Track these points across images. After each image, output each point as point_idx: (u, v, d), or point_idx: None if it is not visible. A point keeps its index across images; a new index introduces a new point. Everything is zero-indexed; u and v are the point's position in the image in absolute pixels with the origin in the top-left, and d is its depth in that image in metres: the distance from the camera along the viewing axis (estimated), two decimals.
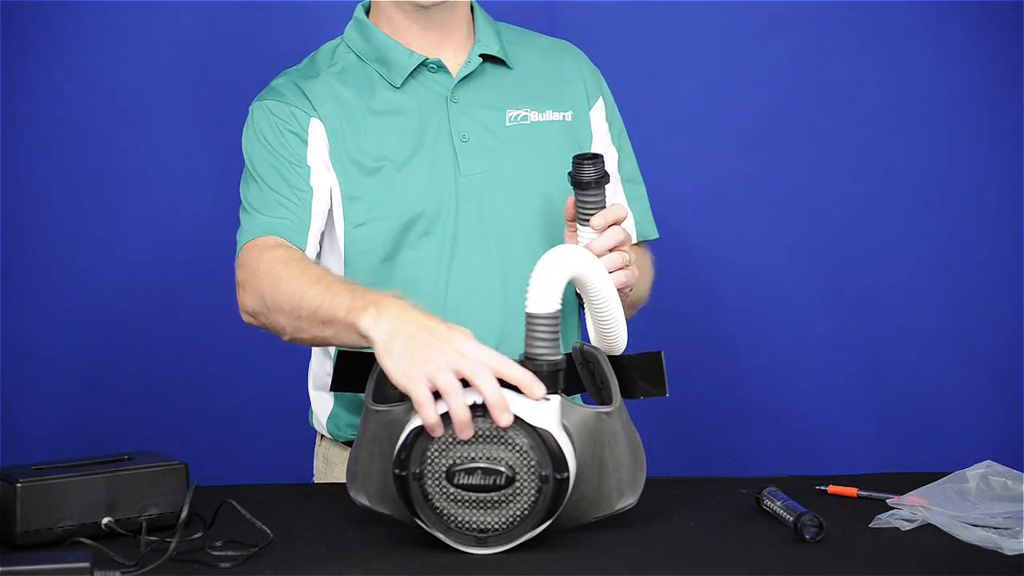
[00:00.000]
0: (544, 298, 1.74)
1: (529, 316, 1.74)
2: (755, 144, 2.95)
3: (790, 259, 2.96)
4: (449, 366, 1.69)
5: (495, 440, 1.69)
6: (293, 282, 1.94)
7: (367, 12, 2.21)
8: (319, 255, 2.14)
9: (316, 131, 2.12)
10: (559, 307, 1.75)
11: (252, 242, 2.06)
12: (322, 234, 2.13)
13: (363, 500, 1.81)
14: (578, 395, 1.97)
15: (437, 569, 1.68)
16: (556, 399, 1.72)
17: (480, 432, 1.69)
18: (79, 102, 2.85)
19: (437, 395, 1.69)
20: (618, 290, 1.93)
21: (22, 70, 2.82)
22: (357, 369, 1.88)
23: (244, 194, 2.14)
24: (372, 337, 1.77)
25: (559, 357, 1.74)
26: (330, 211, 2.13)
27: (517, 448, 1.69)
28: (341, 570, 1.67)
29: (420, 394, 1.69)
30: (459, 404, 1.68)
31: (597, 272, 1.85)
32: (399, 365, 1.72)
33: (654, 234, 2.30)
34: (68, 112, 2.84)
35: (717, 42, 2.94)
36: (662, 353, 1.94)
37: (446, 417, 1.69)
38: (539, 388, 1.70)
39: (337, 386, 1.97)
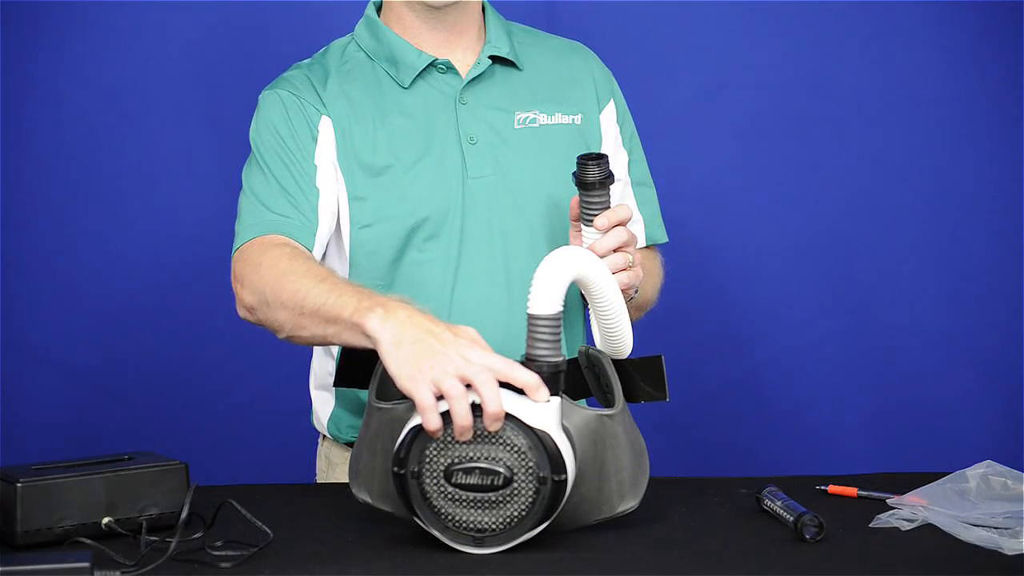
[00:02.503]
0: (545, 299, 1.74)
1: (530, 317, 1.74)
2: (754, 144, 2.95)
3: (790, 259, 2.96)
4: (455, 371, 1.69)
5: (494, 440, 1.69)
6: (298, 279, 1.93)
7: (378, 11, 2.21)
8: (324, 256, 2.13)
9: (325, 129, 2.12)
10: (560, 308, 1.74)
11: (260, 239, 2.05)
12: (330, 231, 2.11)
13: (364, 497, 1.81)
14: (582, 400, 1.96)
15: (438, 569, 1.68)
16: (556, 401, 1.72)
17: (479, 432, 1.69)
18: (80, 102, 2.85)
19: (439, 396, 1.69)
20: (622, 292, 1.93)
21: (22, 70, 2.82)
22: (361, 366, 1.88)
23: (248, 180, 2.11)
24: (377, 338, 1.76)
25: (560, 359, 1.74)
26: (337, 208, 2.12)
27: (515, 449, 1.69)
28: (341, 570, 1.67)
29: (424, 399, 1.69)
30: (462, 409, 1.68)
31: (600, 274, 1.85)
32: (404, 369, 1.72)
33: (663, 238, 2.29)
34: (69, 112, 2.84)
35: (718, 42, 2.94)
36: (662, 357, 1.94)
37: (447, 415, 1.69)
38: (543, 392, 1.70)
39: (341, 382, 1.96)
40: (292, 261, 1.97)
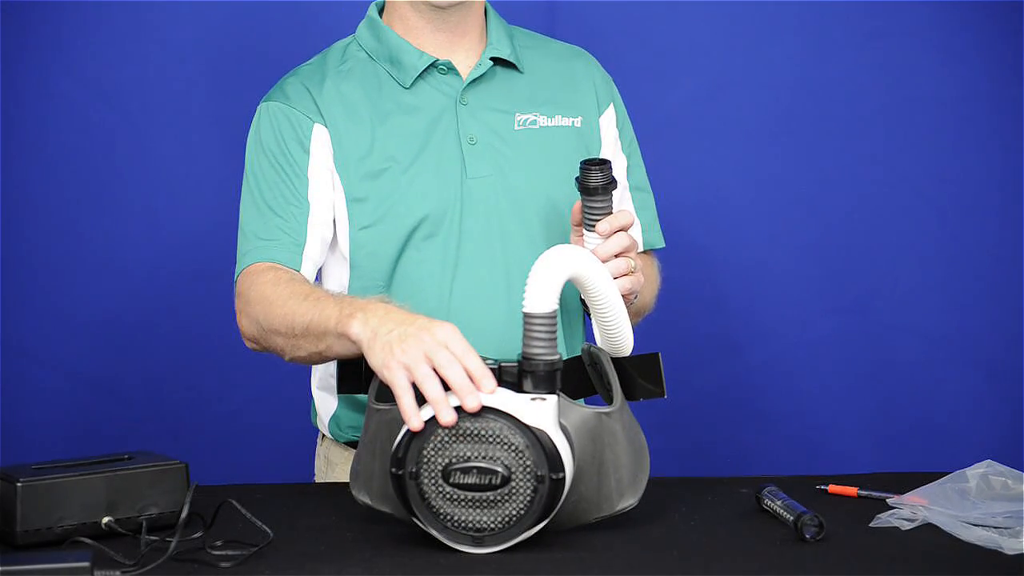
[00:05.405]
0: (541, 298, 1.74)
1: (526, 316, 1.74)
2: (755, 144, 2.95)
3: (791, 259, 2.96)
4: (422, 351, 1.72)
5: (491, 440, 1.69)
6: (284, 304, 1.98)
7: (381, 12, 2.21)
8: (324, 263, 2.14)
9: (319, 138, 2.12)
10: (556, 307, 1.75)
11: (246, 270, 2.08)
12: (326, 243, 2.12)
13: (365, 499, 1.81)
14: (582, 399, 1.96)
15: (438, 568, 1.68)
16: (552, 399, 1.72)
17: (476, 432, 1.69)
18: (79, 102, 2.85)
19: (424, 401, 1.70)
20: (623, 297, 1.93)
21: (22, 70, 2.82)
22: (359, 371, 1.90)
23: (242, 212, 2.14)
24: (359, 340, 1.80)
25: (556, 357, 1.74)
26: (334, 216, 2.13)
27: (513, 448, 1.69)
28: (341, 570, 1.67)
29: (398, 382, 1.71)
30: (430, 388, 1.70)
31: (596, 272, 1.85)
32: (380, 358, 1.76)
33: (660, 243, 2.29)
34: (68, 112, 2.84)
35: (718, 43, 2.94)
36: (659, 354, 1.94)
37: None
38: (488, 383, 1.70)
39: (343, 389, 1.98)
40: (276, 287, 2.01)
